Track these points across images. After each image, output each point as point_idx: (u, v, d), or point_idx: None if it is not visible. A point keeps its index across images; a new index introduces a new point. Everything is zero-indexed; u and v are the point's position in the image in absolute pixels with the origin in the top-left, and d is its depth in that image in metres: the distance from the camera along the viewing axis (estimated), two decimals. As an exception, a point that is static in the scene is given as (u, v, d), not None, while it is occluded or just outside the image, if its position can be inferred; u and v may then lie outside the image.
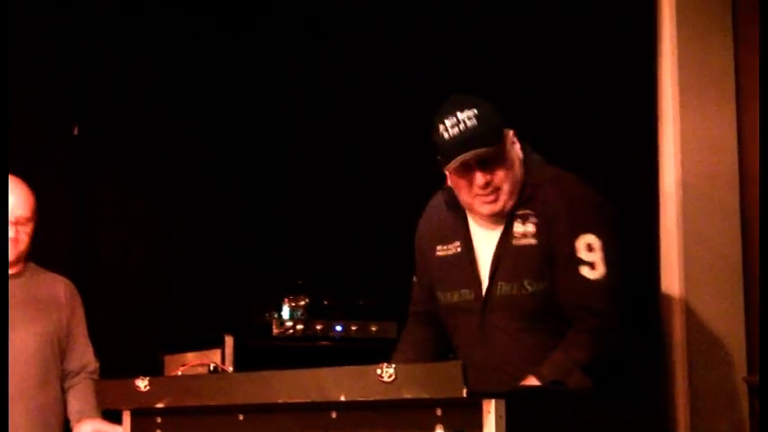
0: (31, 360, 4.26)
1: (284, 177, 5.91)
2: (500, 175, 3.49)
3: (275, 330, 4.99)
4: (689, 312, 3.98)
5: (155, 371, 4.94)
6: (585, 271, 3.43)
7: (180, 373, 4.00)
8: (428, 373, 2.80)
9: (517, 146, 3.56)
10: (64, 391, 4.36)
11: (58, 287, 4.41)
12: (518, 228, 3.52)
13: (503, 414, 2.73)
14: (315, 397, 2.96)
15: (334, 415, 3.01)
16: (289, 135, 5.92)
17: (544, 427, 2.88)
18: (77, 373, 4.38)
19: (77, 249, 5.55)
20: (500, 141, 3.48)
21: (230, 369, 4.57)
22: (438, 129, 3.47)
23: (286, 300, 5.07)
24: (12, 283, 4.26)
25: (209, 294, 5.75)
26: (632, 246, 3.57)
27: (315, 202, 5.75)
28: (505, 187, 3.50)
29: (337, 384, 2.92)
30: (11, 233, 4.23)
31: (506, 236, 3.52)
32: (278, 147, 5.93)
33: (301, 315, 5.05)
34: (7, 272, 4.26)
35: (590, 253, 3.43)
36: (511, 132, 3.55)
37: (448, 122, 3.45)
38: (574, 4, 4.38)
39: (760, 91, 3.87)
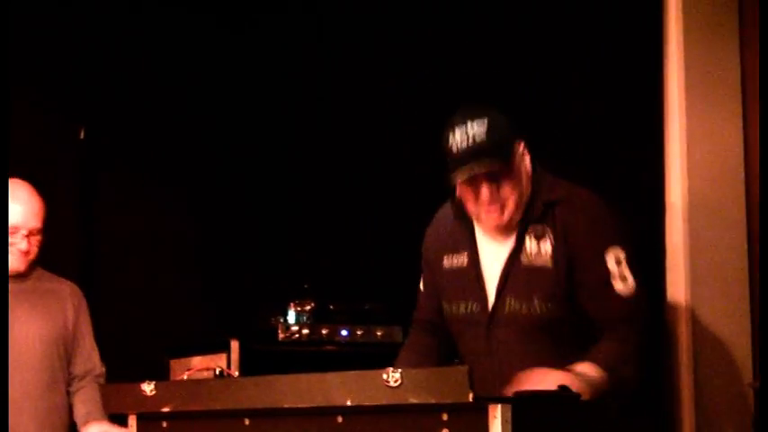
0: (38, 364, 4.27)
1: (291, 182, 5.91)
2: (507, 189, 3.45)
3: (281, 335, 4.98)
4: (694, 320, 3.98)
5: (161, 375, 4.94)
6: (619, 285, 3.42)
7: (186, 378, 4.00)
8: (434, 378, 2.80)
9: (527, 158, 3.51)
10: (70, 395, 4.37)
11: (64, 291, 4.42)
12: (531, 245, 3.47)
13: (509, 419, 2.73)
14: (321, 401, 2.96)
15: (340, 419, 3.00)
16: (297, 140, 5.92)
17: (550, 432, 2.88)
18: (83, 377, 4.38)
19: (84, 253, 5.56)
20: (509, 156, 3.44)
21: (236, 373, 4.57)
22: (448, 140, 3.44)
23: (292, 304, 5.06)
24: (18, 287, 4.27)
25: (215, 299, 5.76)
26: (638, 253, 3.56)
27: (321, 207, 5.75)
28: (511, 201, 3.46)
29: (343, 389, 2.91)
30: (23, 246, 4.22)
31: (517, 252, 3.49)
32: (286, 151, 5.94)
33: (307, 320, 5.05)
34: (7, 272, 4.25)
35: (619, 266, 3.42)
36: (521, 145, 3.50)
37: (458, 134, 3.41)
38: (581, 6, 4.38)
39: (760, 91, 3.87)
